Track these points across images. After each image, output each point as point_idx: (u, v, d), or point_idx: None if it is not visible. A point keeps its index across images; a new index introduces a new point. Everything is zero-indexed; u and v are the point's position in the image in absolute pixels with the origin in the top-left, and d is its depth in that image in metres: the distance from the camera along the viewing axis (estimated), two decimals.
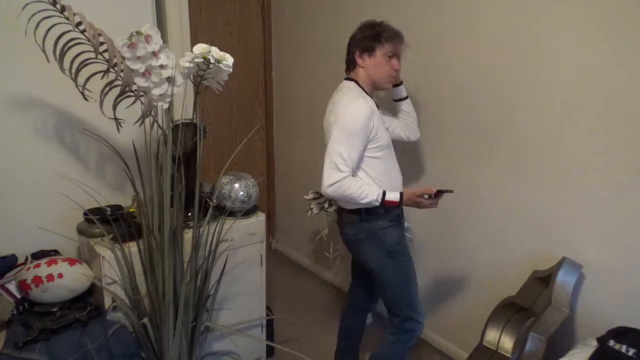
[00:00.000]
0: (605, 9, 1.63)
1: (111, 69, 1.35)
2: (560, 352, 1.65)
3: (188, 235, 1.57)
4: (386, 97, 1.99)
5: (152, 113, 1.44)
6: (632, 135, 1.62)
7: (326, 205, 2.42)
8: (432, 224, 2.37)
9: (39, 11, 1.31)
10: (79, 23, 1.31)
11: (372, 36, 1.73)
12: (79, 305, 1.63)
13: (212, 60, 1.33)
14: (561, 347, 1.80)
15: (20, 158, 1.75)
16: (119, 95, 1.42)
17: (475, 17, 2.02)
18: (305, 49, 2.99)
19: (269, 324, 2.23)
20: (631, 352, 1.51)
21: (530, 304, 1.92)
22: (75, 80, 1.41)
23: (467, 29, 2.06)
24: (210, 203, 1.75)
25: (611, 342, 1.56)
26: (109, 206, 1.78)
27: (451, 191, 1.68)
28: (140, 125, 1.45)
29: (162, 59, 1.36)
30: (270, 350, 2.22)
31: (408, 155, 2.33)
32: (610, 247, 1.73)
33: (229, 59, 1.36)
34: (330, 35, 2.73)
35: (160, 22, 2.08)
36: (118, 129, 1.51)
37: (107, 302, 1.65)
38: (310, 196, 2.50)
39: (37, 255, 1.73)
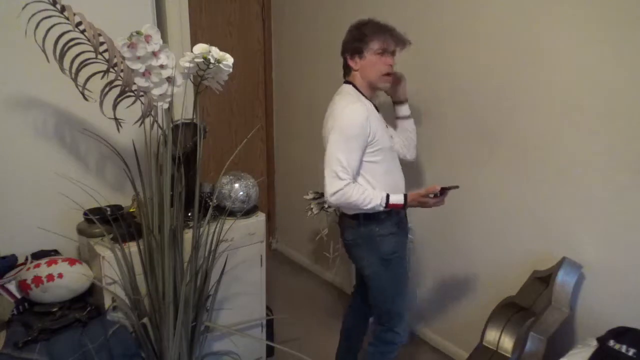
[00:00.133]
0: (605, 9, 1.63)
1: (111, 69, 1.35)
2: (560, 352, 1.65)
3: (188, 235, 1.57)
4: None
5: (152, 113, 1.44)
6: (632, 135, 1.62)
7: (326, 205, 2.42)
8: (432, 224, 2.37)
9: (39, 11, 1.31)
10: (79, 23, 1.31)
11: (358, 37, 1.69)
12: (79, 305, 1.63)
13: (212, 60, 1.33)
14: (561, 347, 1.80)
15: (20, 158, 1.75)
16: (119, 95, 1.42)
17: (475, 17, 2.02)
18: (305, 49, 2.99)
19: (269, 324, 2.23)
20: (631, 352, 1.51)
21: (530, 304, 1.92)
22: (75, 80, 1.41)
23: (467, 29, 2.06)
24: (210, 203, 1.75)
25: (611, 342, 1.56)
26: (109, 206, 1.78)
27: (456, 187, 1.63)
28: (140, 125, 1.45)
29: (162, 59, 1.36)
30: (270, 350, 2.22)
31: None
32: (610, 247, 1.73)
33: (229, 59, 1.36)
34: (330, 35, 2.73)
35: (160, 22, 2.08)
36: (118, 129, 1.51)
37: (107, 302, 1.65)
38: (310, 196, 2.50)
39: (37, 255, 1.73)
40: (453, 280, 2.33)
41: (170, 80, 1.40)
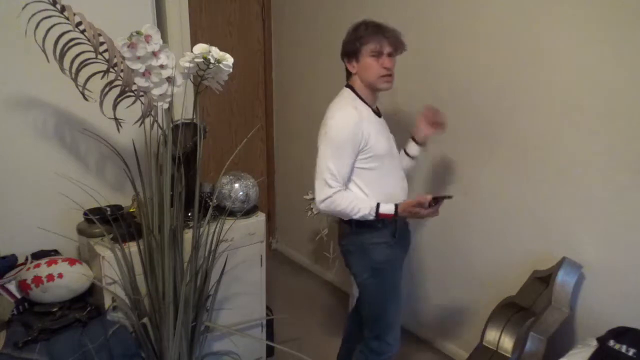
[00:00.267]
0: (605, 9, 1.63)
1: (111, 69, 1.35)
2: (560, 352, 1.65)
3: (188, 235, 1.57)
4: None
5: (152, 113, 1.44)
6: (632, 135, 1.62)
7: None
8: (432, 224, 2.37)
9: (39, 11, 1.31)
10: (79, 23, 1.31)
11: (353, 40, 1.65)
12: (79, 305, 1.63)
13: (212, 60, 1.33)
14: (561, 347, 1.80)
15: (20, 158, 1.75)
16: (119, 95, 1.42)
17: (475, 17, 2.02)
18: (305, 49, 2.99)
19: (269, 324, 2.23)
20: (631, 352, 1.51)
21: (530, 304, 1.92)
22: (75, 80, 1.41)
23: (467, 29, 2.06)
24: (210, 203, 1.75)
25: (611, 342, 1.56)
26: (109, 206, 1.78)
27: (449, 197, 1.57)
28: (140, 125, 1.45)
29: (162, 59, 1.36)
30: (270, 350, 2.21)
31: None
32: (610, 247, 1.73)
33: (229, 59, 1.36)
34: (330, 35, 2.73)
35: (160, 22, 2.07)
36: (118, 129, 1.51)
37: (107, 302, 1.65)
38: (310, 196, 2.49)
39: (37, 255, 1.73)
40: (453, 281, 2.33)
41: (170, 80, 1.40)
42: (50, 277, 1.58)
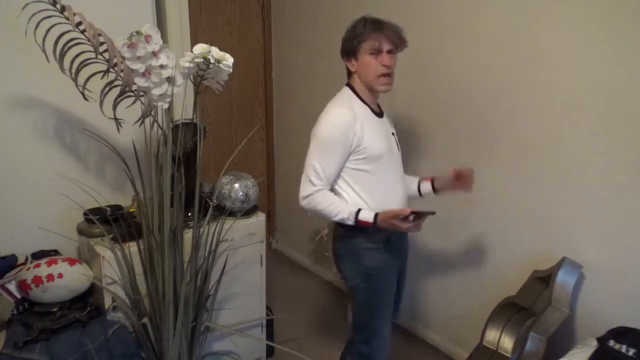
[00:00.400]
0: (605, 9, 1.63)
1: (111, 69, 1.35)
2: (560, 352, 1.65)
3: (188, 235, 1.57)
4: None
5: (152, 113, 1.44)
6: (632, 135, 1.62)
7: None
8: (432, 224, 2.37)
9: (39, 11, 1.31)
10: (79, 23, 1.31)
11: (351, 38, 1.60)
12: (79, 305, 1.63)
13: (212, 60, 1.33)
14: (561, 347, 1.80)
15: (20, 158, 1.75)
16: (119, 95, 1.42)
17: (475, 17, 2.02)
18: (305, 49, 2.99)
19: (269, 324, 2.23)
20: (631, 352, 1.51)
21: (530, 304, 1.92)
22: (75, 80, 1.41)
23: (467, 29, 2.06)
24: (210, 203, 1.75)
25: (611, 342, 1.56)
26: (109, 206, 1.78)
27: (432, 213, 1.46)
28: (140, 125, 1.45)
29: (162, 59, 1.36)
30: (270, 350, 2.21)
31: (407, 155, 2.33)
32: (610, 247, 1.73)
33: (229, 59, 1.36)
34: (330, 35, 2.72)
35: (160, 22, 2.08)
36: (118, 129, 1.51)
37: (107, 302, 1.65)
38: None
39: (37, 255, 1.73)
40: (453, 280, 2.33)
41: (170, 80, 1.40)
42: (50, 277, 1.58)
